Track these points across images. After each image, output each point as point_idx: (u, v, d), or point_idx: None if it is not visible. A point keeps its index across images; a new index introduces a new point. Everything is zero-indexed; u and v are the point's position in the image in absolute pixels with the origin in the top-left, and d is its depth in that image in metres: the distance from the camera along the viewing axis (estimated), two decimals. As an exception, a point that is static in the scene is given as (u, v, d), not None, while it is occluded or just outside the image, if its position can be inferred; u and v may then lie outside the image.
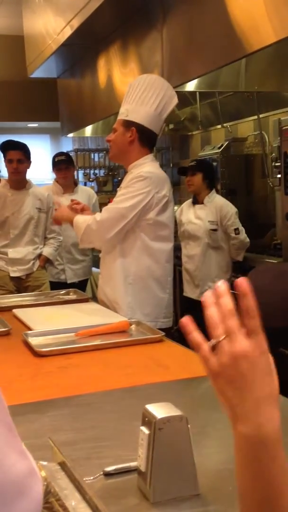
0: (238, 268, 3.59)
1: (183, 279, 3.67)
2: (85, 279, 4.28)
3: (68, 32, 4.25)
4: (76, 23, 4.05)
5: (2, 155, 3.70)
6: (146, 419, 0.88)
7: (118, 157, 2.38)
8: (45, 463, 0.84)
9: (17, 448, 0.54)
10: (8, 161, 3.58)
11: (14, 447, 0.53)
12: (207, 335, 0.65)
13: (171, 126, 5.00)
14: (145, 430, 0.88)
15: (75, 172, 5.15)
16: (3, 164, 3.74)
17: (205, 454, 0.99)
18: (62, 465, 0.83)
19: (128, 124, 2.23)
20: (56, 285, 3.65)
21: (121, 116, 2.26)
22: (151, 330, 1.85)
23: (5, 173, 3.77)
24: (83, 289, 4.21)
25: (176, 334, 3.71)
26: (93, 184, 6.37)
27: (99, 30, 4.24)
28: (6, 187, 3.66)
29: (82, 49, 4.80)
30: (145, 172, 2.19)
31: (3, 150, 3.64)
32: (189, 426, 0.87)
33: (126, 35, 4.11)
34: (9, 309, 2.26)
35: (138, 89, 2.22)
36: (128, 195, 2.17)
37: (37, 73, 5.54)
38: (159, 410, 0.88)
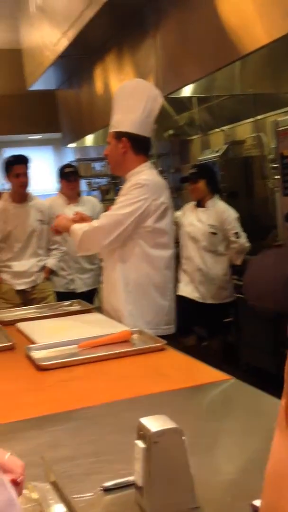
0: (238, 272, 3.57)
1: (181, 280, 3.67)
2: (94, 288, 4.26)
3: (64, 43, 4.28)
4: (71, 34, 4.08)
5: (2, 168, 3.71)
6: (141, 432, 0.87)
7: (116, 169, 2.39)
8: (36, 483, 0.84)
9: None
10: (16, 176, 3.56)
11: None
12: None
13: (170, 131, 5.00)
14: (140, 444, 0.87)
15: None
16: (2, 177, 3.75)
17: (203, 465, 0.98)
18: (54, 485, 0.83)
19: (118, 135, 2.24)
20: (66, 295, 3.60)
21: (111, 128, 2.28)
22: (153, 338, 1.84)
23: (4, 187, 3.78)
24: (93, 298, 4.19)
25: (186, 341, 3.68)
26: (96, 193, 6.39)
27: (94, 40, 4.26)
28: (8, 201, 3.67)
29: (79, 59, 4.83)
30: (143, 180, 2.19)
31: (10, 165, 3.60)
32: (184, 438, 0.86)
33: (121, 43, 4.12)
34: (13, 322, 2.26)
35: (122, 99, 2.24)
36: (126, 203, 2.18)
37: (36, 86, 5.58)
38: (154, 423, 0.87)
